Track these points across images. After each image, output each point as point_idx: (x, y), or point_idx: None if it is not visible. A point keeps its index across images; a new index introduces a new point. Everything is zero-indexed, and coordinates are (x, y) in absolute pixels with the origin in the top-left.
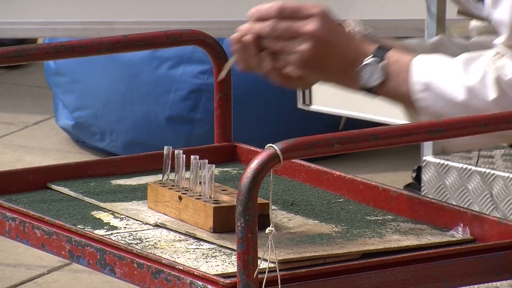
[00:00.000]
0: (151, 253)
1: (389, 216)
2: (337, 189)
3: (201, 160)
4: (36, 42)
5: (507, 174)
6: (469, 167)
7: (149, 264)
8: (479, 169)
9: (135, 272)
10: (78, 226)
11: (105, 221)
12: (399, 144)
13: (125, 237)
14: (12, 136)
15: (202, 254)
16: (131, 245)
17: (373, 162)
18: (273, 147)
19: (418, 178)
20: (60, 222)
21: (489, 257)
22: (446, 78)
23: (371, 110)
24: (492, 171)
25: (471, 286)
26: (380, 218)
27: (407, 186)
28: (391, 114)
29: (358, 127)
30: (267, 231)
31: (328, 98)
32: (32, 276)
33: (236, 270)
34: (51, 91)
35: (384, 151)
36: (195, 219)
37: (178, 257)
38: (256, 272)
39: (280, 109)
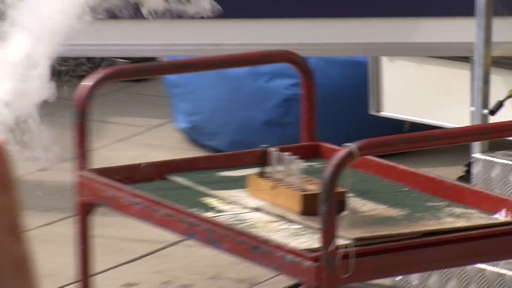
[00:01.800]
0: (250, 231)
1: (445, 203)
2: (402, 180)
3: (291, 156)
4: (158, 60)
5: None
6: (511, 162)
7: (248, 240)
8: None
9: (238, 247)
10: (191, 210)
11: (213, 206)
12: (453, 144)
13: (229, 218)
14: (138, 137)
15: (292, 233)
16: (234, 225)
17: (431, 158)
18: (350, 146)
19: (468, 172)
20: (176, 206)
21: None
22: None
23: (431, 115)
24: None
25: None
26: (437, 204)
27: (459, 178)
28: (447, 119)
29: (418, 130)
30: (344, 214)
31: (395, 106)
32: (154, 250)
33: (319, 246)
34: (170, 100)
35: (440, 149)
36: (286, 204)
37: (272, 235)
38: (335, 247)
39: (354, 115)
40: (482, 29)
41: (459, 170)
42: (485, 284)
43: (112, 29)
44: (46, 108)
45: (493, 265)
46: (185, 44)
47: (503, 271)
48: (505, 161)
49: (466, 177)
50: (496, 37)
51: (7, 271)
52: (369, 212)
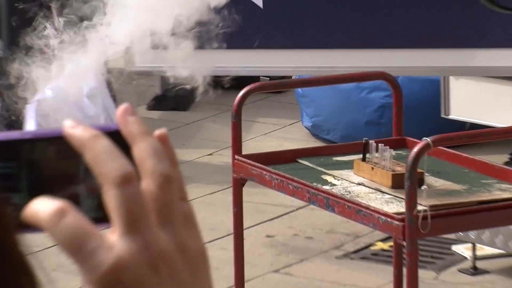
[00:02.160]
0: (355, 199)
1: (494, 180)
2: (464, 164)
3: (384, 147)
4: (290, 78)
5: None
6: None
7: (354, 205)
8: None
9: (346, 210)
10: (314, 183)
11: (329, 181)
12: (501, 138)
13: (340, 190)
14: (276, 132)
15: (385, 201)
16: (343, 195)
17: (485, 149)
18: (427, 139)
19: (511, 162)
20: (303, 181)
21: None
22: None
23: (484, 118)
24: None
25: None
26: (489, 182)
27: (505, 163)
28: (496, 120)
29: (476, 128)
30: (422, 188)
31: (459, 111)
32: (287, 212)
33: (405, 211)
34: (298, 106)
35: (492, 142)
36: (381, 180)
37: (370, 202)
38: (416, 212)
39: (430, 117)
40: None
41: (505, 157)
42: None
43: (261, 55)
44: (211, 111)
45: None
46: (309, 67)
47: None
48: None
49: (510, 162)
50: None
51: (180, 222)
52: (440, 187)
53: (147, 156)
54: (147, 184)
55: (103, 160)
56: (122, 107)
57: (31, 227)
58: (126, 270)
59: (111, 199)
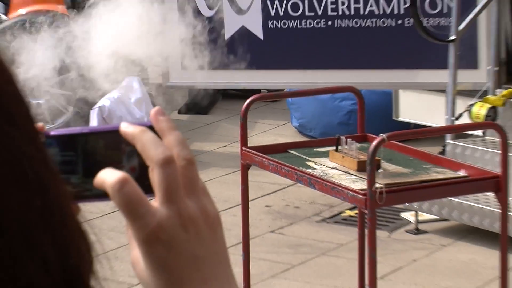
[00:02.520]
0: (330, 179)
1: (432, 165)
2: (409, 153)
3: (352, 141)
4: (283, 90)
5: None
6: (466, 145)
7: (329, 184)
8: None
9: (324, 187)
10: (300, 168)
11: (311, 166)
12: (437, 135)
13: (319, 172)
14: (273, 130)
15: (352, 181)
16: (322, 176)
17: (424, 142)
18: (383, 135)
19: (444, 149)
20: (292, 166)
21: (472, 183)
22: None
23: (424, 120)
24: None
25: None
26: (428, 166)
27: (439, 153)
28: (433, 122)
29: (419, 127)
30: (379, 171)
31: (407, 114)
32: (280, 188)
33: (366, 187)
34: (289, 111)
35: (430, 137)
36: (349, 166)
37: (341, 181)
38: (374, 188)
39: (385, 119)
40: (452, 75)
41: (439, 148)
42: (452, 208)
43: (262, 74)
44: (225, 114)
45: (456, 198)
46: (297, 82)
47: (460, 200)
48: (463, 144)
49: (442, 152)
50: (459, 79)
51: (200, 193)
52: (392, 170)
53: (174, 145)
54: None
55: (149, 147)
56: (155, 109)
57: (85, 198)
58: (164, 230)
59: (156, 176)
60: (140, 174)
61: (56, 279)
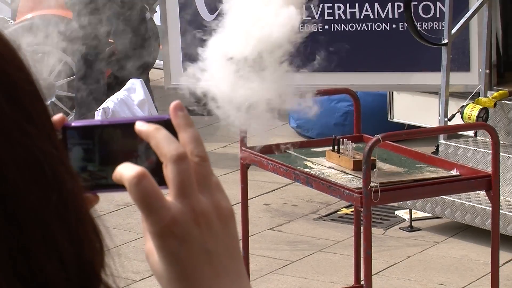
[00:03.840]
0: (327, 178)
1: (425, 165)
2: (404, 153)
3: (348, 141)
4: None
5: None
6: (458, 145)
7: (326, 183)
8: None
9: (321, 186)
10: (297, 167)
11: (308, 165)
12: (430, 135)
13: (316, 171)
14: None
15: (348, 180)
16: (319, 175)
17: (418, 142)
18: (378, 136)
19: (437, 149)
20: (290, 165)
21: (464, 182)
22: None
23: (418, 120)
24: None
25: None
26: (421, 165)
27: (432, 153)
28: (426, 122)
29: (413, 128)
30: (374, 170)
31: (401, 115)
32: (279, 187)
33: (362, 186)
34: (287, 112)
35: (423, 138)
36: (345, 165)
37: (338, 180)
38: (370, 187)
39: (380, 120)
40: (444, 78)
41: (432, 148)
42: (445, 206)
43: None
44: None
45: (449, 196)
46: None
47: (453, 199)
48: (456, 144)
49: (435, 152)
50: (451, 81)
51: (213, 188)
52: (387, 170)
53: (189, 142)
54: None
55: (163, 144)
56: (175, 103)
57: (101, 188)
58: (177, 225)
59: (169, 172)
60: (156, 166)
61: (71, 274)
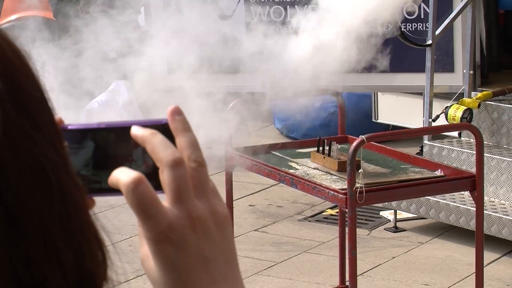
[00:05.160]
0: (312, 179)
1: (409, 165)
2: (388, 154)
3: (333, 142)
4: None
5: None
6: (442, 145)
7: (311, 184)
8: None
9: (305, 187)
10: (282, 168)
11: (293, 166)
12: (414, 136)
13: (301, 172)
14: (257, 132)
15: (333, 180)
16: (304, 176)
17: (402, 143)
18: (362, 137)
19: (421, 150)
20: (275, 166)
21: (448, 183)
22: None
23: (403, 121)
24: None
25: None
26: (406, 166)
27: (417, 153)
28: (411, 123)
29: (397, 129)
30: (359, 171)
31: (385, 116)
32: (265, 187)
33: (347, 187)
34: (272, 113)
35: (408, 138)
36: (330, 166)
37: (323, 181)
38: (354, 188)
39: (365, 120)
40: (429, 78)
41: (417, 149)
42: (430, 207)
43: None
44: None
45: (433, 197)
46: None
47: (437, 199)
48: (440, 145)
49: (420, 153)
50: (436, 82)
51: (210, 194)
52: (371, 170)
53: (186, 147)
54: (187, 167)
55: (159, 149)
56: (172, 107)
57: (96, 193)
58: (174, 231)
59: (165, 177)
60: (152, 170)
61: (70, 282)
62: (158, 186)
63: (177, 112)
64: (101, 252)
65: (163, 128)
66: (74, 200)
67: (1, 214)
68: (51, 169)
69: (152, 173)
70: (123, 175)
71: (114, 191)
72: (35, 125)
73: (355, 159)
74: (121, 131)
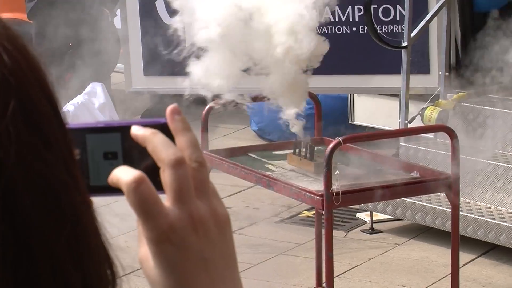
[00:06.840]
0: (289, 181)
1: (385, 167)
2: (365, 156)
3: (309, 143)
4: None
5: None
6: (418, 147)
7: (287, 185)
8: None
9: (282, 189)
10: (259, 170)
11: (270, 168)
12: (391, 137)
13: (278, 174)
14: (233, 134)
15: (309, 182)
16: (280, 178)
17: (379, 145)
18: (339, 138)
19: (398, 151)
20: (251, 168)
21: (424, 184)
22: None
23: (379, 123)
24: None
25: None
26: (381, 168)
27: (393, 155)
28: (386, 125)
29: (373, 130)
30: (335, 173)
31: (361, 118)
32: (240, 190)
33: (323, 189)
34: (248, 115)
35: (384, 140)
36: (307, 168)
37: (299, 183)
38: (331, 189)
39: (341, 122)
40: (404, 80)
41: (393, 151)
42: (406, 208)
43: None
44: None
45: (409, 198)
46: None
47: (413, 201)
48: (416, 146)
49: (396, 154)
50: (411, 84)
51: (211, 194)
52: (348, 172)
53: (187, 147)
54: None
55: (160, 149)
56: (171, 107)
57: (97, 192)
58: (175, 231)
59: (167, 177)
60: (152, 170)
61: None
62: (158, 186)
63: (176, 112)
64: (111, 271)
65: (162, 128)
66: (84, 223)
67: (9, 236)
68: (62, 191)
69: (152, 173)
70: (124, 174)
71: (114, 190)
72: (47, 145)
73: (331, 161)
74: (120, 131)
